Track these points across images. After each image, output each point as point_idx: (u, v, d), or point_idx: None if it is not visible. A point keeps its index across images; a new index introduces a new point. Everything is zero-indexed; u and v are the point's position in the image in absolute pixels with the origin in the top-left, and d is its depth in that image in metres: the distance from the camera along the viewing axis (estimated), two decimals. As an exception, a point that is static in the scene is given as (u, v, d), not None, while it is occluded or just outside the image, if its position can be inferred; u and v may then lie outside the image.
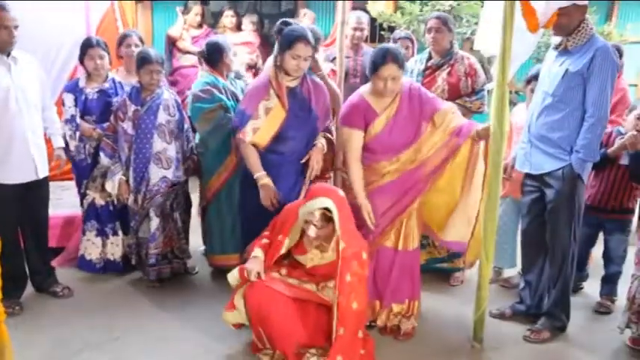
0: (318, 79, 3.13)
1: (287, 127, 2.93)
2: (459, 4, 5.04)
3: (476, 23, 4.98)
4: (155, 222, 3.47)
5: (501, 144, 2.74)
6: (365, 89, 2.98)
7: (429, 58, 3.71)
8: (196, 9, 6.04)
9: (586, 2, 2.86)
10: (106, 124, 3.53)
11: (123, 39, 3.90)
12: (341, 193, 2.73)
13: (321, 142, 3.05)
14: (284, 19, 3.04)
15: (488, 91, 3.39)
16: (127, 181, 3.48)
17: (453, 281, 3.75)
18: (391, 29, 5.68)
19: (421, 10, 5.20)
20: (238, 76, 3.86)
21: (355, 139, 2.90)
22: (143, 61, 3.37)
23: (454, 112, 2.94)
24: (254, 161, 2.94)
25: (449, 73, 3.59)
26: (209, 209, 3.65)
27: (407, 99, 2.91)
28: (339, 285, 2.54)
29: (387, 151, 2.93)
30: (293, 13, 9.34)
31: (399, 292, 3.01)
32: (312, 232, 2.64)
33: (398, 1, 5.52)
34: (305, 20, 5.63)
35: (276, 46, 2.93)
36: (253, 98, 2.92)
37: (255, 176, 2.92)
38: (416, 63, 3.79)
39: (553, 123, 2.92)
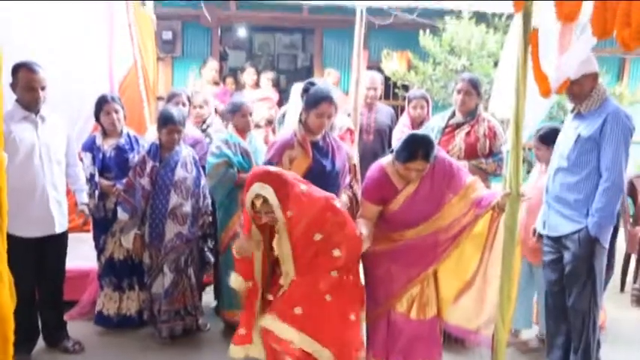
0: (339, 139, 3.22)
1: (311, 177, 2.90)
2: (471, 64, 5.15)
3: (488, 83, 5.10)
4: (169, 278, 3.48)
5: (517, 206, 2.72)
6: (388, 161, 2.86)
7: (452, 116, 3.71)
8: (212, 64, 6.12)
9: (596, 69, 2.93)
10: (123, 180, 3.59)
11: (172, 97, 4.04)
12: (271, 168, 2.67)
13: (343, 196, 3.07)
14: (310, 79, 3.20)
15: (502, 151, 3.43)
16: (143, 236, 3.51)
17: (469, 343, 3.66)
18: (405, 87, 5.82)
19: (434, 70, 5.32)
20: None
21: (370, 210, 2.86)
22: (166, 121, 3.45)
23: (479, 183, 2.87)
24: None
25: (467, 133, 3.60)
26: (220, 263, 3.68)
27: (430, 176, 2.81)
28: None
29: (405, 224, 2.85)
30: (309, 70, 9.68)
31: (410, 355, 2.88)
32: (265, 219, 2.60)
33: (411, 60, 5.64)
34: (329, 79, 5.77)
35: (302, 104, 3.04)
36: (279, 149, 2.98)
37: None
38: (438, 120, 3.79)
39: (569, 186, 2.93)
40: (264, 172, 2.57)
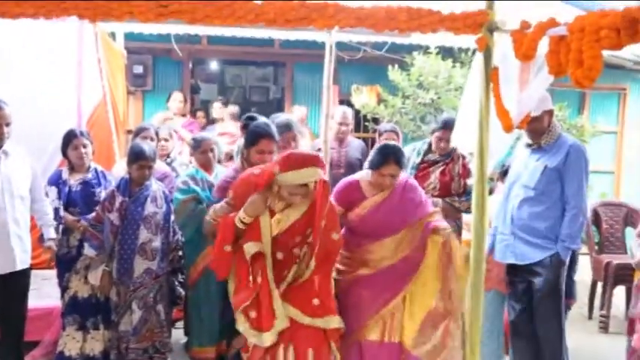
0: None
1: None
2: (439, 98, 5.28)
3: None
4: (138, 315, 3.40)
5: (482, 238, 2.77)
6: (363, 174, 3.02)
7: (428, 151, 3.78)
8: (176, 96, 6.03)
9: (552, 106, 3.13)
10: (90, 215, 3.52)
11: (140, 131, 4.00)
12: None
13: None
14: (249, 114, 3.17)
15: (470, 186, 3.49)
16: (110, 272, 3.43)
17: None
18: (375, 120, 5.91)
19: (403, 103, 5.43)
20: None
21: None
22: (137, 156, 3.41)
23: (438, 215, 2.98)
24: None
25: (442, 172, 3.67)
26: (189, 299, 3.63)
27: (400, 191, 2.93)
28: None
29: (370, 234, 2.93)
30: (280, 102, 9.76)
31: None
32: (297, 200, 2.55)
33: (381, 94, 5.76)
34: (296, 114, 5.80)
35: (242, 141, 3.05)
36: (224, 188, 2.93)
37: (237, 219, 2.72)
38: (413, 152, 3.83)
39: (537, 214, 3.05)
40: (316, 156, 2.57)
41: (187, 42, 6.40)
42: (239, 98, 10.05)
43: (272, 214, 2.60)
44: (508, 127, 2.63)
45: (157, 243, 3.44)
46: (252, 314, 2.58)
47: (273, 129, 2.98)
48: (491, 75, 2.69)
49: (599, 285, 4.91)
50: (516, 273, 3.17)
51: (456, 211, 3.57)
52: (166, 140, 4.31)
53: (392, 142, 2.94)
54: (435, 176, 3.66)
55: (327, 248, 2.65)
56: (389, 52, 5.78)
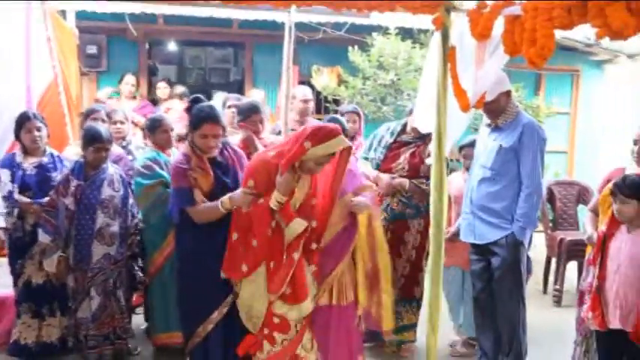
0: (237, 148, 3.15)
1: (215, 195, 2.86)
2: (399, 79, 5.30)
3: (415, 97, 5.25)
4: (96, 301, 3.33)
5: (441, 217, 2.81)
6: None
7: (401, 132, 3.69)
8: (128, 78, 5.87)
9: (509, 87, 3.15)
10: (45, 200, 3.42)
11: (91, 112, 3.89)
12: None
13: None
14: (195, 95, 3.05)
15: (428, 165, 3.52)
16: (67, 258, 3.34)
17: (403, 352, 3.73)
18: (335, 102, 5.90)
19: (364, 84, 5.43)
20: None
21: None
22: (93, 138, 3.33)
23: (369, 189, 3.02)
24: (209, 206, 2.81)
25: (412, 154, 3.60)
26: (152, 285, 3.56)
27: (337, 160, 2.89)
28: None
29: None
30: (241, 84, 9.61)
31: (339, 354, 2.89)
32: (319, 169, 2.65)
33: (341, 75, 5.74)
34: (254, 97, 5.71)
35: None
36: (180, 174, 2.85)
37: (221, 204, 2.75)
38: (387, 132, 3.76)
39: (493, 194, 3.09)
40: (336, 128, 2.62)
41: (143, 21, 6.19)
42: (198, 80, 9.83)
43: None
44: (465, 107, 2.67)
45: (115, 227, 3.37)
46: (287, 291, 2.65)
47: (218, 112, 2.90)
48: (448, 55, 2.72)
49: (554, 261, 5.08)
50: (477, 252, 3.24)
51: (422, 193, 3.52)
52: (122, 123, 4.19)
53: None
54: (404, 157, 3.61)
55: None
56: (348, 32, 5.76)
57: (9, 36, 4.19)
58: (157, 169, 3.45)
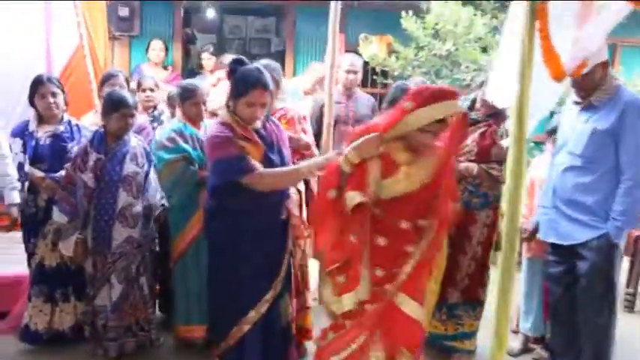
0: (278, 122, 2.79)
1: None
2: (457, 50, 4.72)
3: (475, 70, 4.67)
4: (118, 289, 3.02)
5: (516, 210, 2.31)
6: None
7: (470, 108, 3.17)
8: (155, 44, 5.41)
9: (606, 57, 2.59)
10: (59, 174, 3.07)
11: (108, 78, 3.59)
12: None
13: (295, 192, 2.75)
14: (237, 56, 2.62)
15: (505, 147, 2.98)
16: (85, 241, 3.00)
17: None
18: (384, 74, 5.36)
19: (416, 55, 4.86)
20: None
21: None
22: (118, 104, 2.98)
23: None
24: (285, 170, 2.51)
25: (482, 134, 3.09)
26: (174, 272, 3.22)
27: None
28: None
29: None
30: (283, 55, 9.16)
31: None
32: (429, 140, 2.20)
33: (392, 44, 5.17)
34: (313, 76, 5.21)
35: (229, 89, 2.56)
36: (226, 141, 2.44)
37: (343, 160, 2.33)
38: None
39: (584, 186, 2.56)
40: (452, 90, 2.22)
41: (180, -19, 5.79)
42: (239, 51, 9.41)
43: (392, 168, 2.22)
44: (558, 75, 2.13)
45: (138, 207, 3.04)
46: (341, 279, 2.27)
47: (267, 76, 2.48)
48: (537, 10, 2.17)
49: (626, 260, 4.48)
50: (557, 253, 2.72)
51: (493, 180, 3.03)
52: (152, 90, 3.85)
53: None
54: (472, 138, 3.08)
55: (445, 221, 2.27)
56: (402, -3, 5.19)
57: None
58: (181, 142, 3.08)
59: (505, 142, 2.83)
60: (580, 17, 2.00)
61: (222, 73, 5.51)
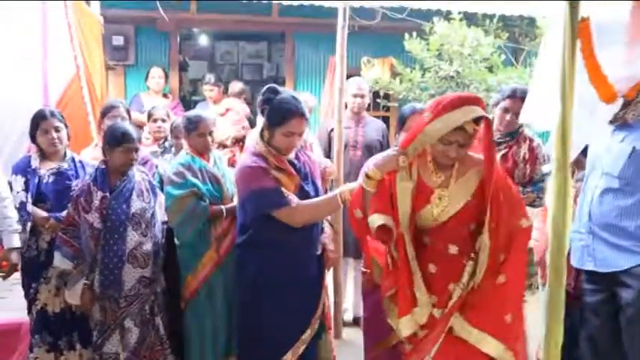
0: (311, 154, 2.74)
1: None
2: (464, 70, 4.63)
3: (484, 90, 4.58)
4: (135, 333, 2.82)
5: (563, 241, 2.17)
6: None
7: None
8: (155, 71, 5.22)
9: None
10: (62, 214, 2.87)
11: (108, 110, 3.45)
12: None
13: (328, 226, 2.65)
14: (271, 85, 2.52)
15: (545, 175, 2.85)
16: (92, 286, 2.79)
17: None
18: (386, 97, 5.26)
19: (423, 76, 4.77)
20: None
21: None
22: (121, 138, 2.80)
23: None
24: (321, 200, 2.39)
25: (504, 156, 3.01)
26: (187, 311, 3.01)
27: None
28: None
29: None
30: (275, 81, 9.05)
31: None
32: (453, 152, 2.02)
33: (395, 67, 5.07)
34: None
35: (263, 119, 2.47)
36: (260, 173, 2.35)
37: (340, 193, 2.32)
38: None
39: (624, 210, 2.41)
40: (477, 96, 2.06)
41: (174, 10, 5.63)
42: (230, 76, 9.31)
43: (426, 191, 2.08)
44: (609, 97, 2.02)
45: (148, 246, 2.85)
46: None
47: (304, 105, 2.41)
48: (579, 28, 2.06)
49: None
50: (594, 280, 2.56)
51: None
52: (163, 121, 3.72)
53: None
54: None
55: (511, 237, 2.06)
56: (406, 17, 5.10)
57: (24, 23, 3.68)
58: (189, 176, 2.90)
59: (546, 168, 2.70)
60: (631, 33, 1.88)
61: (230, 102, 5.43)
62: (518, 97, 2.99)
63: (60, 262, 2.80)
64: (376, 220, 2.05)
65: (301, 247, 2.42)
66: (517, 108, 2.93)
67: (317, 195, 2.47)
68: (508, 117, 3.04)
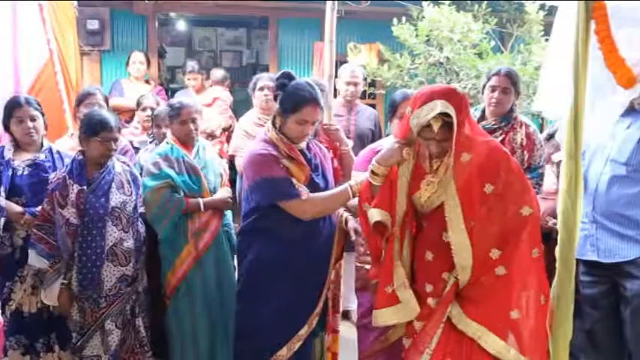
0: (322, 145, 2.62)
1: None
2: (454, 56, 4.51)
3: (475, 77, 4.48)
4: (116, 336, 2.67)
5: (574, 232, 2.09)
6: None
7: (481, 118, 3.08)
8: (136, 56, 4.99)
9: None
10: (38, 209, 2.68)
11: (84, 97, 3.28)
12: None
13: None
14: (286, 70, 2.44)
15: (556, 163, 2.76)
16: (69, 285, 2.62)
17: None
18: (372, 84, 5.12)
19: (413, 62, 4.64)
20: None
21: None
22: (100, 126, 2.62)
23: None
24: (332, 193, 2.32)
25: (501, 142, 2.89)
26: (168, 310, 2.89)
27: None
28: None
29: None
30: (254, 68, 8.84)
31: None
32: (433, 148, 2.00)
33: (382, 53, 4.93)
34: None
35: (276, 106, 2.39)
36: (271, 161, 2.28)
37: (351, 186, 2.27)
38: None
39: (631, 198, 2.35)
40: (448, 89, 2.01)
41: (151, -7, 5.41)
42: (209, 63, 9.10)
43: (419, 176, 2.07)
44: (627, 81, 1.91)
45: (129, 242, 2.70)
46: (388, 290, 2.11)
47: (318, 91, 2.33)
48: (593, 7, 1.96)
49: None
50: (594, 272, 2.49)
51: None
52: (152, 109, 3.57)
53: None
54: None
55: (509, 226, 1.98)
56: (393, 3, 4.97)
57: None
58: (165, 167, 2.79)
59: (556, 157, 2.61)
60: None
61: (216, 91, 5.24)
62: (503, 75, 2.98)
63: (35, 260, 2.61)
64: (375, 215, 2.05)
65: (306, 240, 2.33)
66: (503, 85, 2.94)
67: (327, 188, 2.39)
68: (496, 95, 2.99)
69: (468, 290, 2.01)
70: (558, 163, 2.40)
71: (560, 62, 2.20)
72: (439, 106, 1.89)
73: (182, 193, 2.79)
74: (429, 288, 2.07)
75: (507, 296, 1.97)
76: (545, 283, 2.04)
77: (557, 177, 2.88)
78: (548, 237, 2.98)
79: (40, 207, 2.68)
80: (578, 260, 2.50)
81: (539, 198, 3.32)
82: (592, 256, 2.48)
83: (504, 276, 1.97)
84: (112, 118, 2.69)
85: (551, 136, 3.16)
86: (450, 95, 1.93)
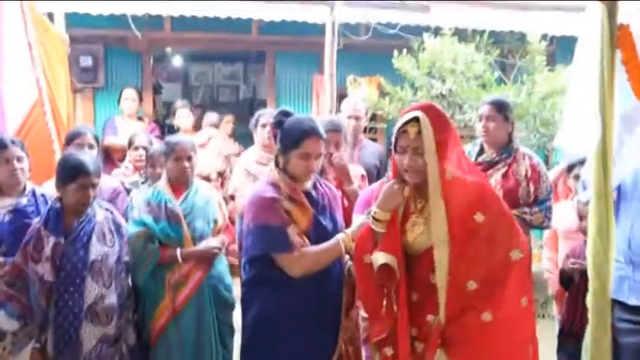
0: (331, 185, 2.46)
1: (313, 238, 2.19)
2: (457, 88, 4.39)
3: (477, 109, 4.35)
4: None
5: (607, 280, 1.91)
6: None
7: (481, 151, 3.00)
8: (128, 92, 4.85)
9: None
10: (9, 265, 2.45)
11: (74, 137, 3.10)
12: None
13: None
14: (284, 108, 2.32)
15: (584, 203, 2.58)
16: (44, 349, 2.37)
17: None
18: (373, 117, 4.99)
19: (415, 94, 4.51)
20: None
21: None
22: (75, 171, 2.40)
23: None
24: (322, 248, 2.14)
25: (505, 175, 2.87)
26: (155, 353, 2.69)
27: None
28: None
29: None
30: (252, 102, 8.75)
31: None
32: (406, 160, 1.92)
33: (383, 86, 4.82)
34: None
35: (277, 144, 2.26)
36: (270, 207, 2.13)
37: (340, 240, 2.12)
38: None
39: None
40: (429, 104, 1.96)
41: (147, 27, 5.26)
42: (205, 99, 9.04)
43: (406, 216, 1.99)
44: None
45: (111, 298, 2.45)
46: (388, 351, 2.00)
47: (319, 125, 2.22)
48: (617, 36, 1.81)
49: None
50: (635, 318, 2.27)
51: (526, 225, 2.74)
52: (145, 149, 3.43)
53: None
54: (495, 181, 2.84)
55: (496, 270, 1.88)
56: (391, 36, 4.87)
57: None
58: (144, 213, 2.67)
59: (583, 197, 2.44)
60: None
61: (212, 131, 5.12)
62: (487, 103, 2.96)
63: (4, 322, 2.36)
64: (379, 258, 1.92)
65: (314, 288, 2.14)
66: (488, 113, 2.91)
67: (336, 230, 2.24)
68: (490, 125, 2.93)
69: (452, 335, 1.90)
70: (586, 203, 2.22)
71: (583, 95, 2.05)
72: (411, 114, 1.88)
73: (157, 244, 2.63)
74: (413, 332, 1.97)
75: (494, 345, 1.87)
76: (533, 333, 1.94)
77: (580, 216, 2.72)
78: (570, 281, 2.79)
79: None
80: (613, 302, 2.33)
81: (560, 236, 3.16)
82: (632, 300, 2.27)
83: (490, 323, 1.86)
84: (90, 162, 2.46)
85: (571, 168, 3.08)
86: (428, 108, 1.91)
